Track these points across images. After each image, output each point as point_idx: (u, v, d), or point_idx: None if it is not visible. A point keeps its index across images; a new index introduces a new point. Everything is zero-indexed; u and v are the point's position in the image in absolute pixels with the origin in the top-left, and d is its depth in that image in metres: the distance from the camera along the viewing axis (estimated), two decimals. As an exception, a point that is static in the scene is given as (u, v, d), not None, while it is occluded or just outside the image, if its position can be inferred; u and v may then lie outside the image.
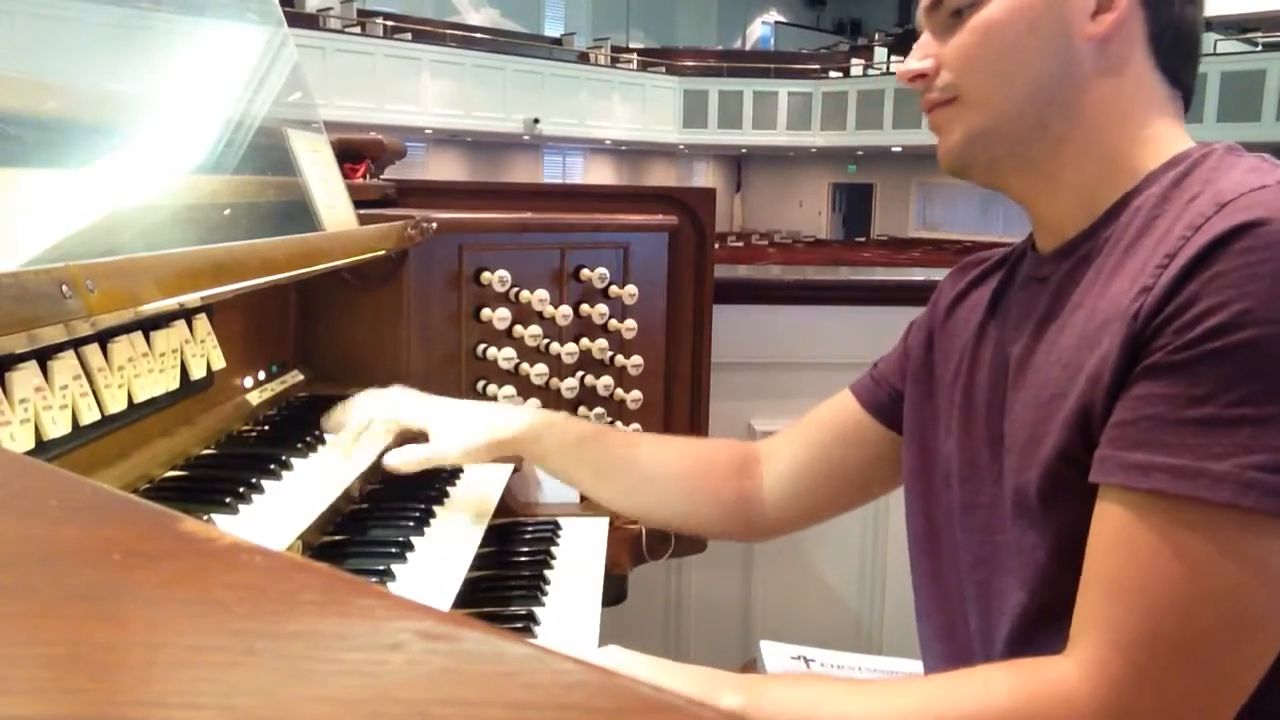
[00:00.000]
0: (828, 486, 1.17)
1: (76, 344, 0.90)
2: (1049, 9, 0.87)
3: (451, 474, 1.39)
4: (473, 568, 1.17)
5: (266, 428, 1.28)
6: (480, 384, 1.67)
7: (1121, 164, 0.87)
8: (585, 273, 1.76)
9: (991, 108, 0.89)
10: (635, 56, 23.20)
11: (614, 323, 1.79)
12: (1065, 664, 0.75)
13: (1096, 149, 0.88)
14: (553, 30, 24.02)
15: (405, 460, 1.20)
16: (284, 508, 1.03)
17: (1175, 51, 0.89)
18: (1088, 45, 0.87)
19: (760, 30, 29.14)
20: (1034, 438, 0.85)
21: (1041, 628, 0.83)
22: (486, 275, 1.65)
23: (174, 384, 1.08)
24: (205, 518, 0.95)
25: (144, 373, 1.01)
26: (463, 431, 1.19)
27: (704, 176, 25.50)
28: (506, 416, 1.21)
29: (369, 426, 1.23)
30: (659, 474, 1.20)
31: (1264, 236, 0.71)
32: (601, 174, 24.19)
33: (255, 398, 1.34)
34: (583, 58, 22.40)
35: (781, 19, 29.53)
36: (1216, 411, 0.70)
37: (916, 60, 0.93)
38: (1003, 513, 0.90)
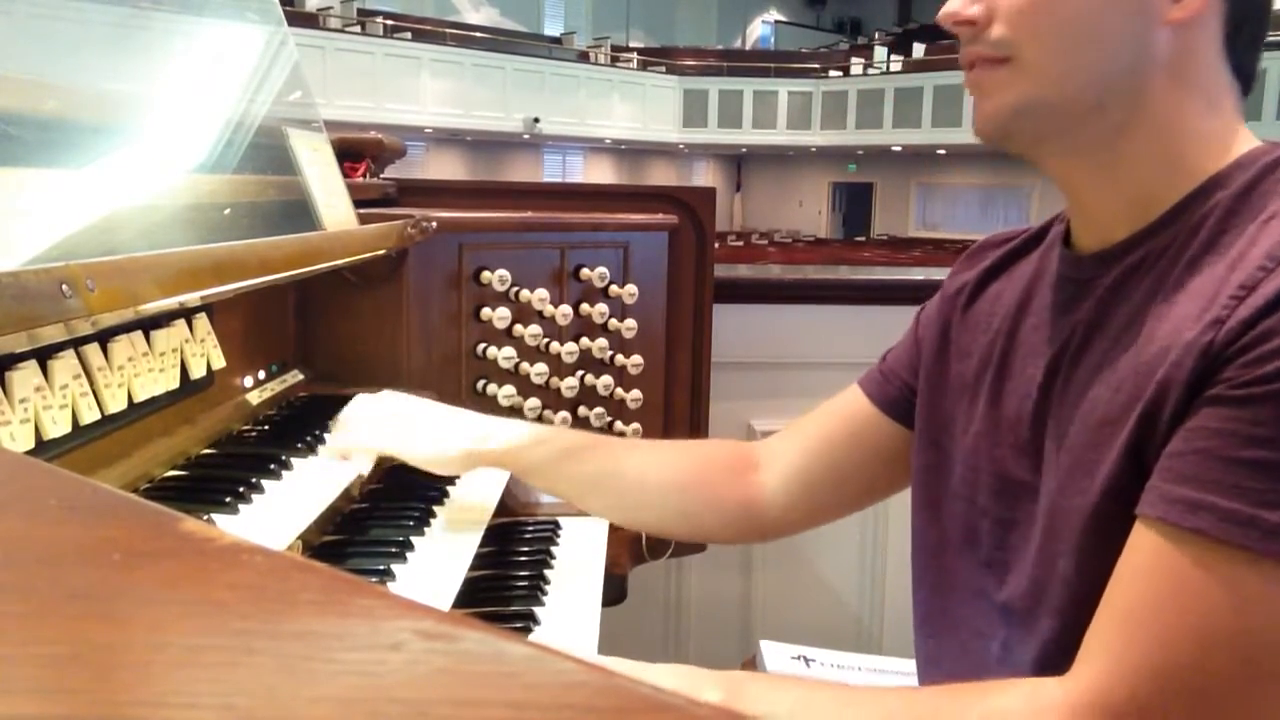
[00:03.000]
0: (834, 486, 1.12)
1: (76, 343, 0.90)
2: None
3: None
4: (473, 567, 1.17)
5: (266, 428, 1.28)
6: (480, 383, 1.67)
7: (1182, 163, 0.81)
8: (585, 272, 1.76)
9: (1049, 80, 0.80)
10: (635, 56, 23.19)
11: (614, 322, 1.79)
12: (1066, 687, 0.72)
13: (1156, 144, 0.81)
14: (552, 29, 24.01)
15: (364, 458, 1.18)
16: (284, 508, 1.03)
17: (1248, 46, 0.82)
18: (1165, 29, 0.78)
19: (760, 29, 29.13)
20: (1080, 463, 0.80)
21: (1073, 659, 0.78)
22: (486, 274, 1.65)
23: (174, 384, 1.08)
24: (205, 518, 0.95)
25: (144, 372, 1.01)
26: (438, 440, 1.16)
27: (704, 176, 25.49)
28: (491, 430, 1.16)
29: (350, 455, 1.20)
30: (650, 485, 1.15)
31: None
32: (601, 173, 24.18)
33: (255, 397, 1.34)
34: (582, 57, 22.39)
35: (781, 18, 29.54)
36: (1276, 456, 0.66)
37: (965, 3, 0.82)
38: (1038, 531, 0.85)
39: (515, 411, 1.67)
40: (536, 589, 1.23)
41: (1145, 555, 0.71)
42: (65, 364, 0.89)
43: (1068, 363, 0.85)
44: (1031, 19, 0.80)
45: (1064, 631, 0.81)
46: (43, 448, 0.85)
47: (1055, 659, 0.82)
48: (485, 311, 1.66)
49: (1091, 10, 0.79)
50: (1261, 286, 0.70)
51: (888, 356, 1.12)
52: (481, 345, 1.67)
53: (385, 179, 1.93)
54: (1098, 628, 0.73)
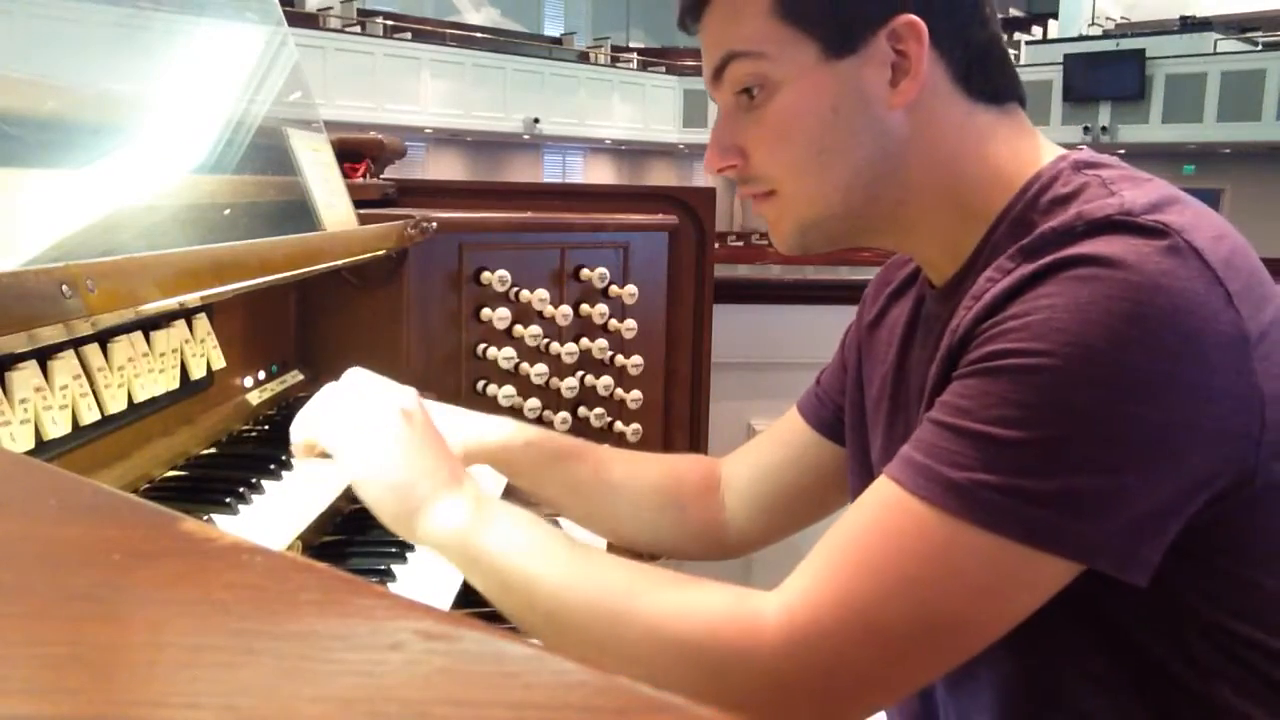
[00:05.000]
0: (782, 507, 1.13)
1: (76, 344, 0.90)
2: (846, 88, 0.81)
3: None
4: (473, 567, 1.17)
5: (266, 428, 1.28)
6: (480, 384, 1.67)
7: (974, 206, 0.84)
8: (585, 272, 1.76)
9: (813, 201, 0.85)
10: (635, 56, 23.17)
11: (614, 323, 1.79)
12: (769, 599, 0.76)
13: (943, 200, 0.85)
14: (552, 30, 24.00)
15: None
16: (284, 508, 1.03)
17: (987, 78, 0.84)
18: (896, 113, 0.82)
19: (760, 30, 29.12)
20: None
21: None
22: (486, 275, 1.65)
23: (174, 384, 1.08)
24: (205, 518, 0.95)
25: (144, 373, 1.01)
26: None
27: (704, 176, 25.46)
28: (481, 427, 1.14)
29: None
30: (630, 497, 1.15)
31: (1107, 278, 0.69)
32: (601, 174, 24.16)
33: (255, 398, 1.34)
34: (582, 57, 22.37)
35: (781, 19, 29.49)
36: (968, 424, 0.71)
37: (719, 151, 0.87)
38: None
39: (515, 412, 1.67)
40: (536, 589, 1.23)
41: (864, 499, 0.77)
42: (65, 364, 0.89)
43: (926, 400, 0.87)
44: (776, 153, 0.85)
45: None
46: (43, 448, 0.85)
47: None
48: (485, 312, 1.66)
49: (822, 131, 0.83)
50: (1018, 270, 0.74)
51: (821, 378, 1.14)
52: (482, 346, 1.67)
53: (385, 179, 1.93)
54: (811, 553, 0.77)
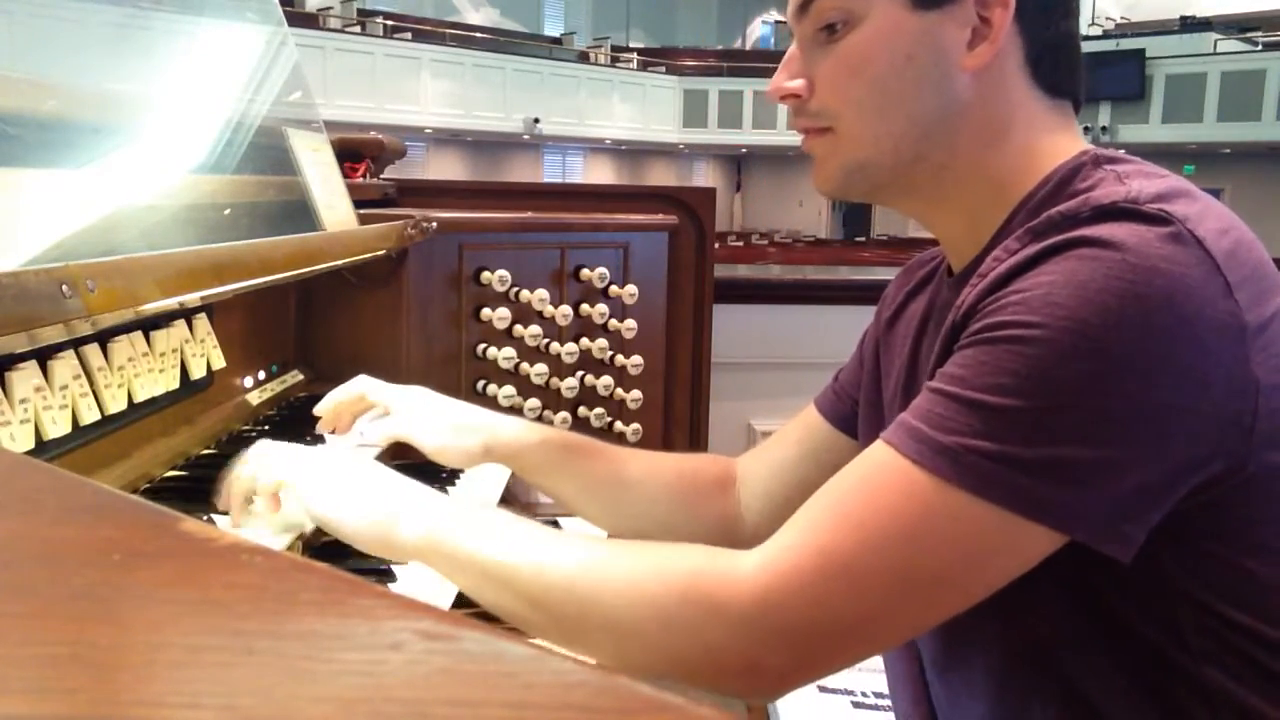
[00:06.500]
0: (797, 502, 1.11)
1: (76, 344, 0.90)
2: (925, 39, 0.84)
3: (451, 474, 1.39)
4: (473, 567, 1.17)
5: (266, 428, 1.28)
6: (480, 384, 1.67)
7: (1004, 188, 0.86)
8: (585, 272, 1.76)
9: (867, 144, 0.87)
10: (635, 56, 23.17)
11: (614, 322, 1.79)
12: (748, 554, 0.77)
13: (980, 174, 0.87)
14: (552, 30, 23.99)
15: (378, 435, 1.14)
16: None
17: (1055, 70, 0.87)
18: (965, 76, 0.84)
19: (760, 30, 29.12)
20: None
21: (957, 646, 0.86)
22: (486, 275, 1.65)
23: (174, 384, 1.08)
24: (205, 518, 0.95)
25: (144, 373, 1.01)
26: (457, 432, 1.14)
27: (704, 176, 25.45)
28: (498, 425, 1.15)
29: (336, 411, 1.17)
30: (645, 493, 1.16)
31: (1107, 259, 0.71)
32: (601, 173, 24.16)
33: (255, 398, 1.34)
34: (582, 57, 22.37)
35: (782, 18, 29.49)
36: (963, 391, 0.73)
37: (787, 78, 0.89)
38: None
39: (515, 412, 1.67)
40: (536, 589, 1.23)
41: (857, 461, 0.78)
42: (65, 364, 0.89)
43: (930, 374, 0.88)
44: (843, 89, 0.86)
45: (948, 627, 0.85)
46: (43, 448, 0.85)
47: (943, 649, 0.89)
48: (485, 312, 1.66)
49: (892, 74, 0.85)
50: (1022, 251, 0.75)
51: (839, 374, 1.15)
52: (481, 345, 1.67)
53: (385, 179, 1.93)
54: (797, 511, 0.78)
